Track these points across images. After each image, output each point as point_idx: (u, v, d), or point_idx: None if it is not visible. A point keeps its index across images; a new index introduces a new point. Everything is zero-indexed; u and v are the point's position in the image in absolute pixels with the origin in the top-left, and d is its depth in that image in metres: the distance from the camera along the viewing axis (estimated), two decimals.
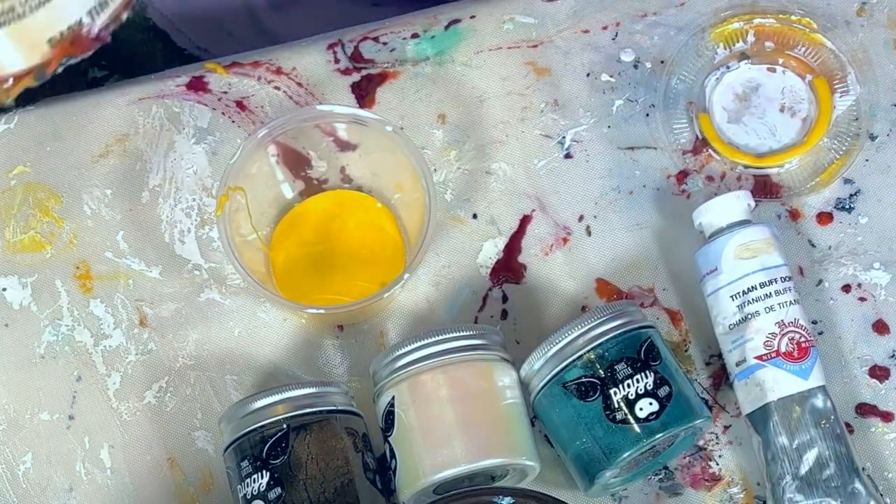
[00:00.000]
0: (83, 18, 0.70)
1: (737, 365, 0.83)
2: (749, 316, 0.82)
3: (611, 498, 0.85)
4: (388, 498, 0.81)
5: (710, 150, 0.90)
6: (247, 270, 0.83)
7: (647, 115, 0.92)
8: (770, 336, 0.82)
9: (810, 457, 0.81)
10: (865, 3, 0.93)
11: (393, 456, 0.80)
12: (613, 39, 0.93)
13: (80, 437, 0.87)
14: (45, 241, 0.91)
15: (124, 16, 0.71)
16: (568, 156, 0.91)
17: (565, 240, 0.90)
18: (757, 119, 0.91)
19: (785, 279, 0.83)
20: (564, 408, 0.80)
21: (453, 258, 0.90)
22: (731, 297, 0.83)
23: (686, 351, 0.87)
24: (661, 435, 0.78)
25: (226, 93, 0.93)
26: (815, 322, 0.87)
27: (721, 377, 0.86)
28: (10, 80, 0.70)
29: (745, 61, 0.92)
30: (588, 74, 0.93)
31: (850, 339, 0.87)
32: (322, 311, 0.84)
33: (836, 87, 0.90)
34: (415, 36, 0.94)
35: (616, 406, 0.79)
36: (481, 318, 0.88)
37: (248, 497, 0.79)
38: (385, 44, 0.94)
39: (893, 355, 0.87)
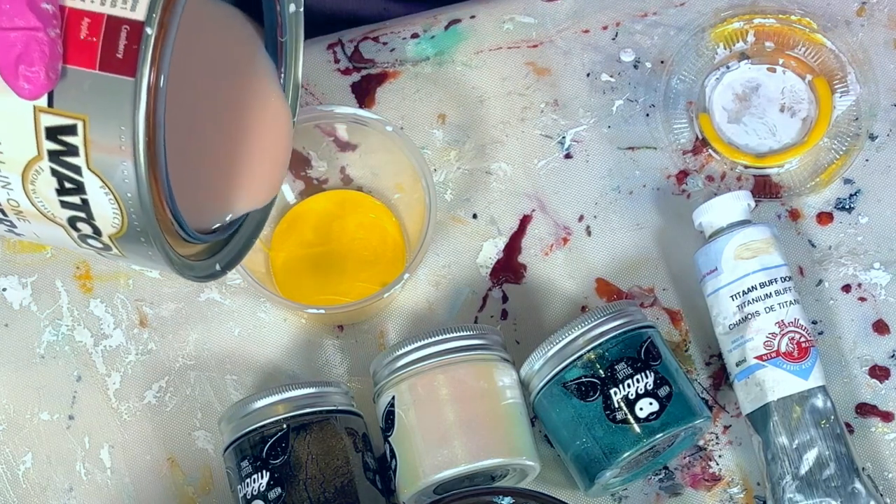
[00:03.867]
0: None
1: (737, 365, 0.83)
2: (749, 316, 0.82)
3: (611, 498, 0.85)
4: (388, 498, 0.81)
5: (710, 150, 0.90)
6: (247, 270, 0.83)
7: (647, 115, 0.92)
8: (770, 336, 0.82)
9: (810, 457, 0.81)
10: (865, 3, 0.93)
11: (393, 456, 0.80)
12: (613, 39, 0.93)
13: (80, 437, 0.87)
14: None
15: None
16: (568, 156, 0.91)
17: (565, 240, 0.90)
18: (757, 119, 0.91)
19: (785, 279, 0.83)
20: (564, 408, 0.80)
21: (453, 258, 0.90)
22: (731, 297, 0.83)
23: (686, 351, 0.87)
24: (661, 435, 0.78)
25: None
26: (815, 322, 0.87)
27: (721, 377, 0.86)
28: None
29: (745, 61, 0.92)
30: (588, 74, 0.93)
31: (850, 339, 0.87)
32: (322, 311, 0.84)
33: (836, 87, 0.90)
34: (415, 36, 0.94)
35: (616, 406, 0.79)
36: (481, 318, 0.88)
37: (248, 497, 0.79)
38: (385, 44, 0.94)
39: (893, 355, 0.87)
